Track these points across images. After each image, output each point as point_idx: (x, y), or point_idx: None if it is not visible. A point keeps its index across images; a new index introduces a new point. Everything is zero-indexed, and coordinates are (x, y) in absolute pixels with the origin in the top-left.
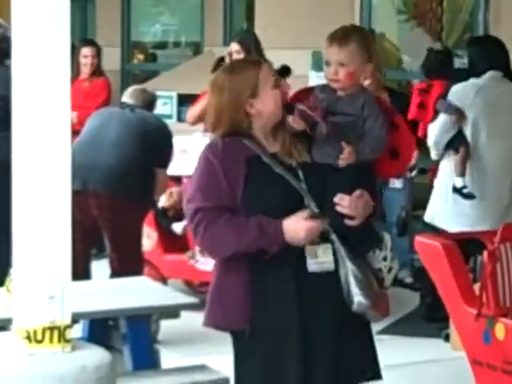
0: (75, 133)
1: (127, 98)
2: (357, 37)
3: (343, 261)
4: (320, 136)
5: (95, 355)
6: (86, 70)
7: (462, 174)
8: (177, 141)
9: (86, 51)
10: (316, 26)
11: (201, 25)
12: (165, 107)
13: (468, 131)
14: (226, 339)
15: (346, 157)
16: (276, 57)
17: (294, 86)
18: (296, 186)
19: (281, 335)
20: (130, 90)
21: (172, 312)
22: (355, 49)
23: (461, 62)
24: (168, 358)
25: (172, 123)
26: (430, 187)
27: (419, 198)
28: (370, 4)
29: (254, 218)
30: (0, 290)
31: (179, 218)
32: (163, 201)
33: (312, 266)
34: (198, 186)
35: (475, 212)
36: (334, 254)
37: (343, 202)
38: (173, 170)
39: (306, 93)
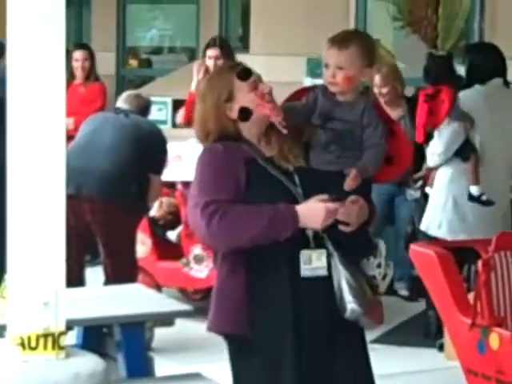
0: (71, 138)
1: (122, 103)
2: (357, 41)
3: (337, 267)
4: (318, 142)
5: (89, 362)
6: (79, 74)
7: (477, 181)
8: (171, 147)
9: (77, 55)
10: (311, 32)
11: (196, 30)
12: (159, 113)
13: (477, 139)
14: (221, 347)
15: (351, 183)
16: (271, 63)
17: (288, 92)
18: (292, 190)
19: (277, 339)
20: (125, 95)
21: (166, 319)
22: (355, 53)
23: (459, 67)
24: (162, 365)
25: (167, 129)
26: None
27: None
28: (366, 11)
29: (266, 205)
30: None
31: (172, 226)
32: (154, 210)
33: (305, 271)
34: (206, 182)
35: (476, 221)
36: (328, 259)
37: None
38: (167, 175)
39: (303, 92)
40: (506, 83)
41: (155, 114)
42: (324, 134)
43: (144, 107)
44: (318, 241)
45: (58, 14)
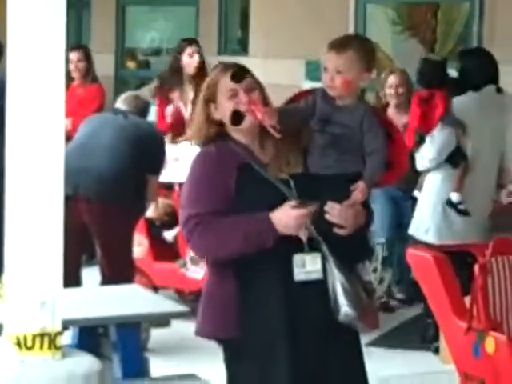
0: (69, 139)
1: (120, 104)
2: (356, 45)
3: (331, 270)
4: (316, 147)
5: (85, 363)
6: (75, 75)
7: (460, 189)
8: (169, 148)
9: (70, 56)
10: (310, 35)
11: (195, 33)
12: None
13: (469, 145)
14: (216, 349)
15: (359, 195)
16: (270, 66)
17: (287, 95)
18: (286, 193)
19: (269, 343)
20: (124, 96)
21: (162, 320)
22: (353, 56)
23: (454, 72)
24: (157, 366)
25: None
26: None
27: None
28: (365, 15)
29: (245, 215)
30: None
31: (168, 227)
32: (150, 211)
33: (299, 275)
34: (191, 193)
35: (464, 227)
36: (323, 263)
37: (333, 211)
38: (165, 177)
39: (303, 95)
40: (499, 90)
41: (154, 115)
42: (322, 138)
43: (143, 108)
44: (313, 244)
45: (59, 16)
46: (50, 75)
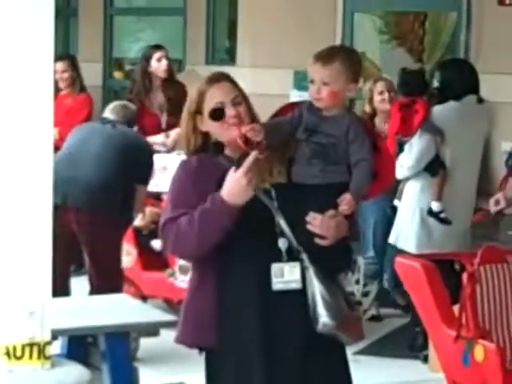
0: (56, 149)
1: (108, 113)
2: (342, 56)
3: (311, 280)
4: (302, 156)
5: (74, 372)
6: (61, 85)
7: (440, 197)
8: (157, 157)
9: (56, 66)
10: (298, 44)
11: (183, 42)
12: None
13: (447, 155)
14: None
15: (345, 207)
16: (258, 75)
17: (275, 104)
18: (267, 204)
19: (246, 354)
20: (112, 105)
21: (151, 330)
22: (339, 68)
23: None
24: (147, 375)
25: None
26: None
27: None
28: (352, 24)
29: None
30: None
31: (156, 235)
32: (137, 220)
33: (277, 285)
34: (169, 201)
35: (442, 236)
36: (303, 273)
37: (315, 221)
38: (153, 186)
39: (290, 107)
40: (480, 100)
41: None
42: (308, 148)
43: (131, 118)
44: (293, 254)
45: (47, 26)
46: (38, 84)
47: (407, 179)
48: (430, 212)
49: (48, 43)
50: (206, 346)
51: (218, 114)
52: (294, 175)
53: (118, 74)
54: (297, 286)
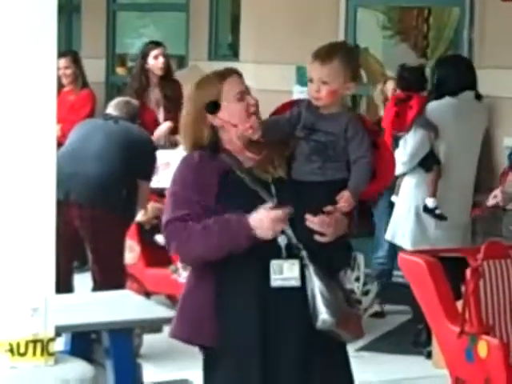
0: (59, 145)
1: (111, 109)
2: (341, 55)
3: (311, 277)
4: (301, 154)
5: (78, 369)
6: (64, 81)
7: (434, 194)
8: (160, 153)
9: (59, 63)
10: (301, 40)
11: (186, 38)
12: None
13: (442, 150)
14: None
15: (344, 205)
16: (261, 71)
17: (278, 100)
18: (267, 201)
19: (244, 351)
20: (115, 101)
21: (155, 326)
22: (338, 67)
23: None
24: (150, 372)
25: None
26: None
27: None
28: (355, 19)
29: (219, 217)
30: None
31: (159, 230)
32: (140, 215)
33: (276, 281)
34: (170, 198)
35: (437, 232)
36: (303, 270)
37: (314, 218)
38: (156, 182)
39: (289, 106)
40: (478, 96)
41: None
42: (307, 146)
43: (133, 114)
44: (292, 251)
45: (50, 22)
46: (41, 81)
47: (403, 175)
48: (426, 208)
49: (51, 39)
50: (202, 343)
51: (213, 107)
52: (294, 172)
53: (120, 70)
54: (296, 283)
